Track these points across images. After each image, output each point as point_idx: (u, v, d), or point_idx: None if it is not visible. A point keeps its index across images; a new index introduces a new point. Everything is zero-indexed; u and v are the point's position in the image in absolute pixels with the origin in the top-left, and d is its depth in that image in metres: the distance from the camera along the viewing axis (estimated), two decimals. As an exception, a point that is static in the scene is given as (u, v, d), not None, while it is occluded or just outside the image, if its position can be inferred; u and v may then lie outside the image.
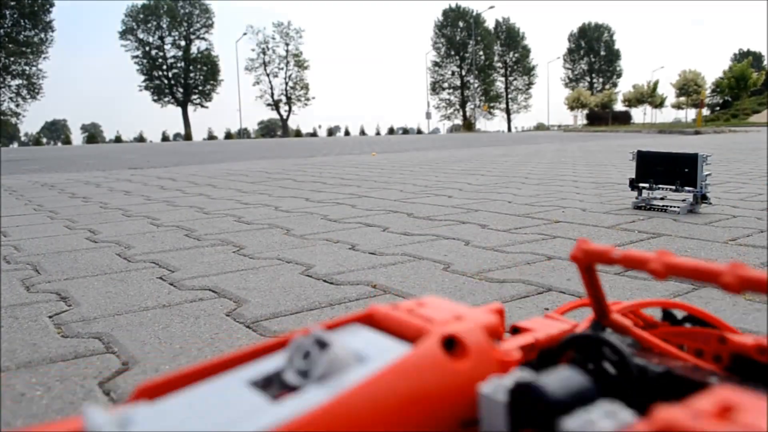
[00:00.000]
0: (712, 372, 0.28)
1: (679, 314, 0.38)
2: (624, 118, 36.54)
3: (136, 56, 48.25)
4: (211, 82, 49.91)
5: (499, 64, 52.83)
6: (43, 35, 38.18)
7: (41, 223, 1.64)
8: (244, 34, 59.68)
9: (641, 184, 1.63)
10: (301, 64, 51.50)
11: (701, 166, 1.52)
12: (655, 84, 37.80)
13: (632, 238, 1.21)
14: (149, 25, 48.09)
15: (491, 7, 45.26)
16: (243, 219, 1.62)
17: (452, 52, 50.99)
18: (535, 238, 1.25)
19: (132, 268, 1.05)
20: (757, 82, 28.42)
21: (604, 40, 54.40)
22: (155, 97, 49.14)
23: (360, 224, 1.48)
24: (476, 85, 50.64)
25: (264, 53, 51.55)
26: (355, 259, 1.08)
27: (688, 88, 35.98)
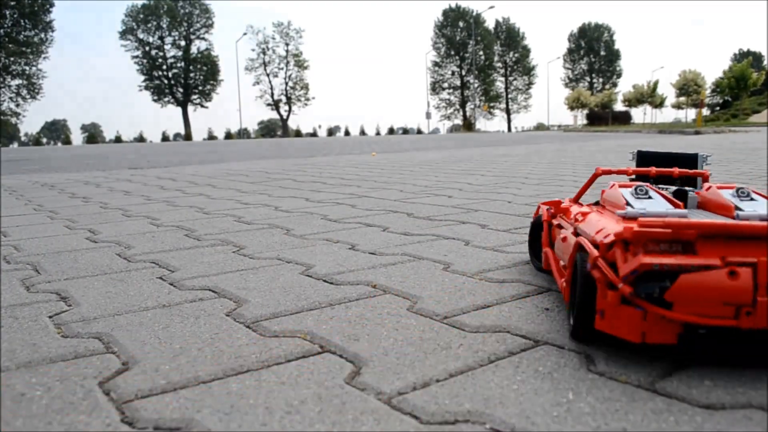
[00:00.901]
0: None
1: None
2: (624, 118, 36.53)
3: (136, 56, 48.23)
4: (211, 82, 49.89)
5: (499, 64, 52.82)
6: (43, 35, 38.17)
7: (41, 223, 1.64)
8: (244, 34, 59.69)
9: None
10: (301, 64, 51.48)
11: (701, 165, 1.51)
12: (655, 84, 37.79)
13: (632, 238, 1.21)
14: (149, 25, 48.06)
15: (491, 7, 45.27)
16: (243, 219, 1.62)
17: (452, 52, 50.97)
18: (535, 238, 1.25)
19: (132, 268, 1.05)
20: (757, 82, 28.41)
21: (604, 40, 54.38)
22: (155, 97, 49.12)
23: (360, 224, 1.48)
24: (476, 85, 50.63)
25: (264, 53, 51.52)
26: (355, 259, 1.08)
27: (688, 88, 35.97)
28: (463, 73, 51.37)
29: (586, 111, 40.50)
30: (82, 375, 0.58)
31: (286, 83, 51.47)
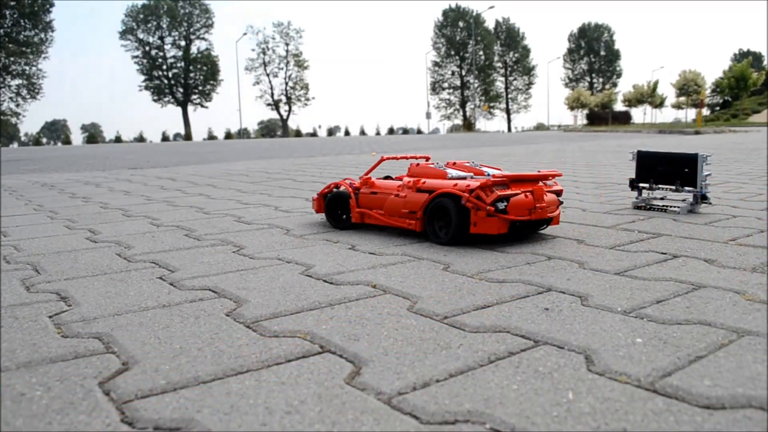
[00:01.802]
0: None
1: None
2: (624, 118, 36.52)
3: (136, 56, 48.23)
4: (211, 82, 49.89)
5: (499, 64, 52.82)
6: (43, 35, 38.17)
7: (41, 223, 1.64)
8: (244, 34, 59.69)
9: (641, 184, 1.63)
10: (301, 64, 51.47)
11: (701, 166, 1.51)
12: (655, 84, 37.79)
13: (632, 238, 1.21)
14: (149, 25, 48.06)
15: (491, 7, 45.28)
16: (243, 219, 1.62)
17: (452, 52, 50.97)
18: (535, 238, 1.25)
19: (132, 268, 1.05)
20: (757, 82, 28.41)
21: (604, 40, 54.37)
22: (155, 97, 49.12)
23: (360, 224, 1.48)
24: (476, 85, 50.64)
25: (264, 53, 51.52)
26: (355, 259, 1.08)
27: (688, 88, 35.96)
28: (463, 73, 51.37)
29: (586, 111, 40.50)
30: (82, 375, 0.58)
31: (286, 83, 51.46)
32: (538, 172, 1.25)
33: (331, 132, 52.93)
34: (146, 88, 49.26)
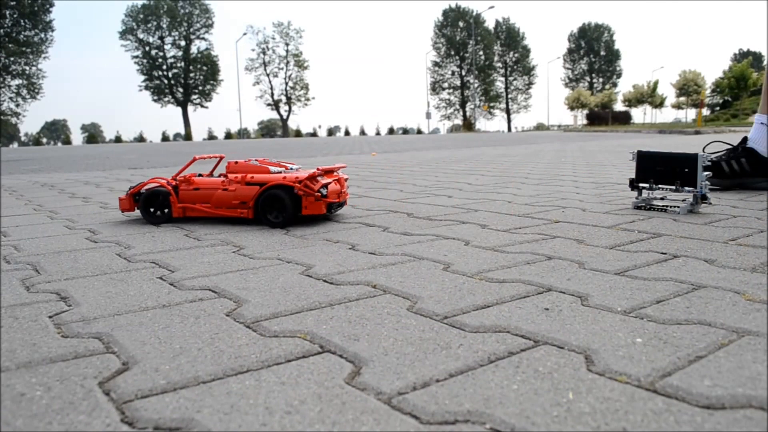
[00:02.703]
0: None
1: None
2: (624, 118, 36.52)
3: (136, 56, 48.21)
4: (211, 82, 49.87)
5: (499, 64, 52.79)
6: (43, 35, 38.17)
7: (41, 223, 1.64)
8: (244, 34, 59.65)
9: (641, 184, 1.63)
10: (301, 64, 51.45)
11: (701, 166, 1.51)
12: (655, 84, 37.78)
13: (632, 238, 1.21)
14: (149, 25, 48.04)
15: (491, 7, 45.27)
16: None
17: (452, 52, 50.94)
18: (535, 238, 1.25)
19: (132, 268, 1.05)
20: (757, 82, 28.39)
21: (604, 40, 54.35)
22: (155, 97, 49.09)
23: (360, 224, 1.48)
24: (476, 85, 50.61)
25: (264, 53, 51.49)
26: (355, 259, 1.08)
27: (688, 88, 35.96)
28: (463, 73, 51.33)
29: (586, 111, 40.49)
30: (82, 375, 0.58)
31: (286, 83, 51.43)
32: (335, 165, 1.62)
33: (331, 132, 52.91)
34: (146, 88, 49.21)
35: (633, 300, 0.78)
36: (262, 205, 1.45)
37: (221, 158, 1.70)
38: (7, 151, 15.78)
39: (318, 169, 1.51)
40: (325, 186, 1.47)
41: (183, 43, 48.29)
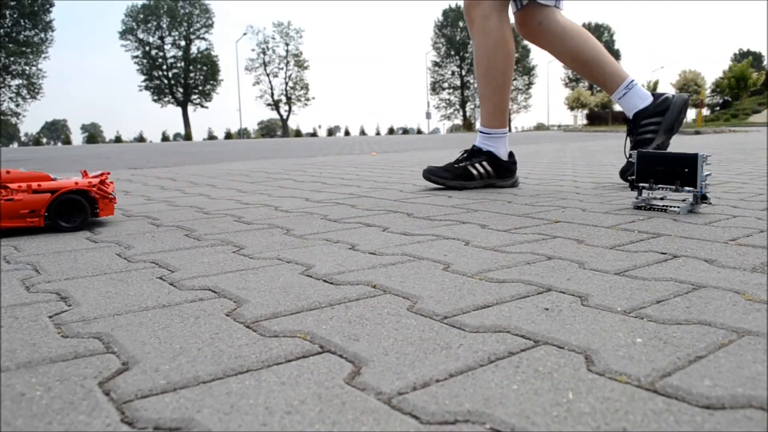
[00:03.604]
0: None
1: None
2: (624, 118, 36.46)
3: (136, 56, 48.20)
4: (211, 82, 49.85)
5: (499, 64, 52.70)
6: (43, 35, 38.16)
7: (41, 223, 1.64)
8: (244, 34, 59.65)
9: (641, 184, 1.63)
10: (301, 64, 51.44)
11: (701, 166, 1.51)
12: (655, 84, 37.76)
13: (632, 238, 1.21)
14: (149, 25, 48.03)
15: (491, 7, 45.15)
16: (243, 219, 1.62)
17: (452, 52, 50.93)
18: (535, 238, 1.25)
19: (132, 268, 1.05)
20: (757, 82, 28.41)
21: (604, 40, 54.35)
22: (155, 97, 49.08)
23: (360, 224, 1.48)
24: (476, 85, 50.57)
25: (264, 53, 51.48)
26: (355, 259, 1.08)
27: (688, 88, 35.94)
28: (463, 73, 51.33)
29: (586, 111, 40.48)
30: (82, 375, 0.58)
31: (286, 83, 51.43)
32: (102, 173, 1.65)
33: (331, 132, 52.89)
34: (146, 88, 49.20)
35: (633, 300, 0.78)
36: (55, 211, 1.45)
37: None
38: (7, 151, 15.78)
39: (101, 174, 1.61)
40: (113, 190, 1.59)
41: (183, 43, 48.28)
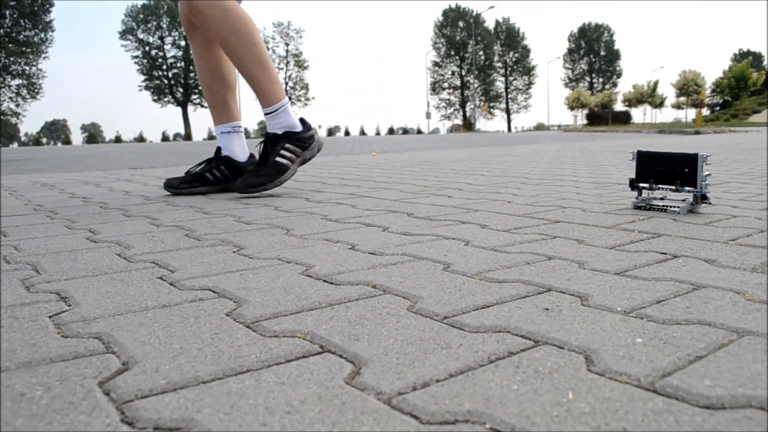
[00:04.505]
0: None
1: None
2: (624, 118, 36.51)
3: (136, 56, 48.19)
4: (211, 82, 49.65)
5: (499, 64, 52.79)
6: (43, 35, 38.16)
7: (41, 223, 1.64)
8: (244, 34, 59.40)
9: (641, 184, 1.63)
10: (301, 64, 51.45)
11: (701, 166, 1.51)
12: (655, 84, 37.78)
13: (632, 238, 1.21)
14: (149, 25, 48.02)
15: (491, 7, 45.24)
16: (243, 219, 1.62)
17: (452, 52, 50.95)
18: (535, 238, 1.25)
19: (132, 268, 1.05)
20: (757, 82, 28.41)
21: (604, 40, 54.35)
22: (155, 97, 49.07)
23: (360, 224, 1.48)
24: (476, 85, 50.60)
25: (264, 53, 51.35)
26: (355, 259, 1.08)
27: (688, 88, 35.96)
28: (463, 73, 51.35)
29: (586, 111, 40.49)
30: (82, 375, 0.58)
31: (286, 83, 51.44)
32: None
33: (331, 132, 52.89)
34: (146, 88, 49.19)
35: (633, 300, 0.78)
36: None
37: None
38: (7, 151, 15.78)
39: None
40: None
41: (183, 43, 48.25)
